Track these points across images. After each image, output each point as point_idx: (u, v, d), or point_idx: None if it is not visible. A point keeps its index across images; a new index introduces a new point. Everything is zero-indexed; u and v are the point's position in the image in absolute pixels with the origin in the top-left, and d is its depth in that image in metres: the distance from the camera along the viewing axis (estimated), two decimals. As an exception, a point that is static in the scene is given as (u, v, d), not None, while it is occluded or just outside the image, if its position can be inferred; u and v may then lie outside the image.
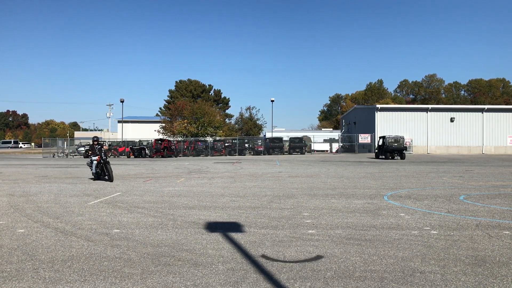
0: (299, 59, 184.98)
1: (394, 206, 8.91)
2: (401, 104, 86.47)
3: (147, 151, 40.94)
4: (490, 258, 4.99)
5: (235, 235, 6.21)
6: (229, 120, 78.16)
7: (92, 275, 4.40)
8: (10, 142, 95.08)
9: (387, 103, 79.31)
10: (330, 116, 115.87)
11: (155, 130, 58.73)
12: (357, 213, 8.05)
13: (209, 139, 50.85)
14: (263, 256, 5.11)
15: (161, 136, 53.78)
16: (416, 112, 46.17)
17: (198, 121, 52.91)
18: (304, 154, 44.68)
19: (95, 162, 14.71)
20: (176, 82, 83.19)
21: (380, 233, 6.36)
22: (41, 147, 60.58)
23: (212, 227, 6.87)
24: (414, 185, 13.26)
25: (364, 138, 46.12)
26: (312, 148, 50.74)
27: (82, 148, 46.18)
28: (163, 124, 56.77)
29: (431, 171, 19.47)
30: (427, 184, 13.41)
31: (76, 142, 56.25)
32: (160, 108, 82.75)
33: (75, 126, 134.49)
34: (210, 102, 72.33)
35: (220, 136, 54.55)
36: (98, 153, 14.77)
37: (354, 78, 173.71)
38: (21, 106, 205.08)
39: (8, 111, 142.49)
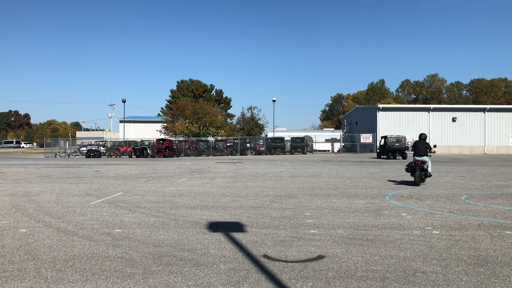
0: (301, 59, 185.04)
1: (396, 206, 8.90)
2: (403, 104, 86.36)
3: (148, 151, 40.99)
4: (492, 258, 4.98)
5: (237, 235, 6.21)
6: (231, 120, 78.18)
7: (94, 274, 4.41)
8: (12, 142, 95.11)
9: (388, 103, 79.23)
10: (332, 116, 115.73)
11: (156, 130, 58.73)
12: (359, 213, 8.04)
13: (210, 139, 50.87)
14: (265, 256, 5.11)
15: (162, 136, 53.80)
16: (417, 112, 46.09)
17: (199, 121, 52.93)
18: (305, 154, 44.65)
19: None
20: (178, 82, 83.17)
21: (381, 233, 6.35)
22: (43, 147, 60.70)
23: (214, 227, 6.87)
24: (416, 185, 13.22)
25: (365, 138, 46.08)
26: (313, 148, 50.67)
27: (84, 148, 46.29)
28: (165, 124, 56.77)
29: (432, 171, 19.42)
30: (428, 184, 13.38)
31: (78, 142, 56.38)
32: (162, 108, 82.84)
33: (77, 126, 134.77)
34: (212, 102, 72.35)
35: (221, 136, 54.57)
36: None
37: (356, 78, 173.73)
38: (23, 106, 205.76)
39: (10, 111, 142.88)
